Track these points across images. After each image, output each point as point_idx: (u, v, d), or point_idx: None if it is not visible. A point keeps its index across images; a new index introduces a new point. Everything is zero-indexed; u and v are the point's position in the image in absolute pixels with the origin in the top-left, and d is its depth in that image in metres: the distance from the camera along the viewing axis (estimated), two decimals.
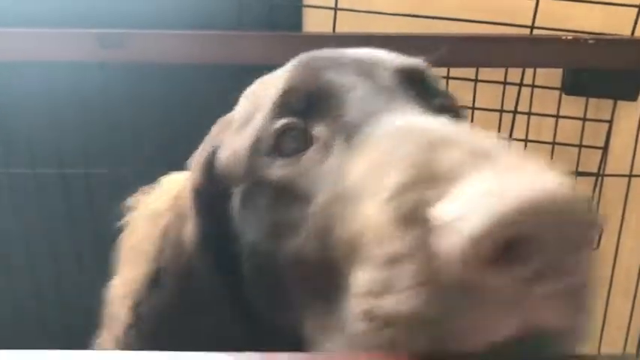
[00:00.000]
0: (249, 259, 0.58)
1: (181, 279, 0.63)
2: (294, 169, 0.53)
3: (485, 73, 1.44)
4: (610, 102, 1.48)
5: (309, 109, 0.56)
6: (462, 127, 0.45)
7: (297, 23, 1.51)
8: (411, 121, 0.47)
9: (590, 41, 1.35)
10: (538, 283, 0.35)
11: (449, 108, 0.58)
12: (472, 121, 1.46)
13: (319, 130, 0.54)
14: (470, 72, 1.44)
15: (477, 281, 0.35)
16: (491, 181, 0.35)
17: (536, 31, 1.40)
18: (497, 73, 1.45)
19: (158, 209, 0.69)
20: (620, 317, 1.60)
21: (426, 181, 0.38)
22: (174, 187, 0.69)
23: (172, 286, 0.63)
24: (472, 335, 0.37)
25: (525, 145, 1.49)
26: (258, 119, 0.58)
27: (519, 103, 1.47)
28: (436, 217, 0.36)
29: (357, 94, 0.54)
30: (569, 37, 1.36)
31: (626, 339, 1.60)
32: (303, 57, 0.62)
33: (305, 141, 0.54)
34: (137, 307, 0.65)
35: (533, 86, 1.45)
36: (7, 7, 1.44)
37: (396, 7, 1.43)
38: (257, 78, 0.69)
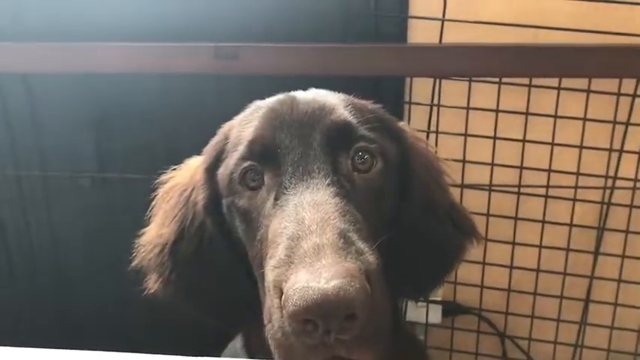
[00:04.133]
0: (236, 237, 0.86)
1: (196, 235, 0.89)
2: (252, 202, 0.82)
3: (598, 83, 1.40)
4: None
5: (264, 158, 0.82)
6: (324, 208, 0.73)
7: (401, 34, 1.51)
8: (305, 203, 0.74)
9: None
10: (327, 337, 0.64)
11: (366, 149, 0.83)
12: (583, 132, 1.43)
13: (267, 176, 0.81)
14: (582, 82, 1.40)
15: (299, 331, 0.65)
16: (306, 279, 0.64)
17: None
18: (610, 84, 1.40)
19: (181, 182, 0.94)
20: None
21: (287, 262, 0.69)
22: (193, 166, 0.94)
23: (191, 240, 0.89)
24: (304, 357, 0.67)
25: (639, 158, 1.44)
26: (236, 156, 0.83)
27: (632, 114, 1.42)
28: (284, 292, 0.66)
29: (291, 158, 0.80)
30: None
31: None
32: (268, 112, 0.85)
33: (260, 179, 0.82)
34: (171, 255, 0.89)
35: None
36: (126, 22, 1.51)
37: (503, 17, 1.42)
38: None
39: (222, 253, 0.87)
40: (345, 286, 0.62)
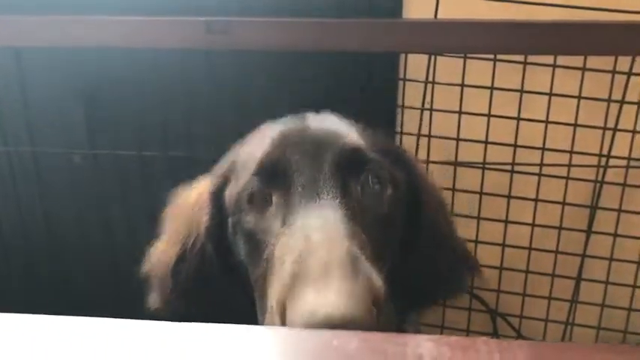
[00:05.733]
0: (237, 261, 0.86)
1: (197, 257, 0.89)
2: (259, 222, 0.81)
3: (593, 61, 1.39)
4: None
5: (273, 178, 0.82)
6: (333, 228, 0.73)
7: (396, 9, 1.49)
8: (313, 223, 0.74)
9: None
10: None
11: (376, 175, 0.83)
12: (577, 110, 1.43)
13: (276, 196, 0.81)
14: (577, 60, 1.39)
15: None
16: (312, 302, 0.63)
17: None
18: (605, 62, 1.39)
19: (189, 202, 0.94)
20: None
21: (292, 280, 0.68)
22: (201, 187, 0.93)
23: (192, 261, 0.89)
24: None
25: (633, 137, 1.43)
26: (244, 176, 0.84)
27: (627, 92, 1.41)
28: (287, 312, 0.66)
29: (302, 179, 0.79)
30: None
31: None
32: (279, 133, 0.86)
33: (269, 199, 0.81)
34: (173, 275, 0.90)
35: None
36: None
37: None
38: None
39: (221, 276, 0.88)
40: (350, 310, 0.62)
